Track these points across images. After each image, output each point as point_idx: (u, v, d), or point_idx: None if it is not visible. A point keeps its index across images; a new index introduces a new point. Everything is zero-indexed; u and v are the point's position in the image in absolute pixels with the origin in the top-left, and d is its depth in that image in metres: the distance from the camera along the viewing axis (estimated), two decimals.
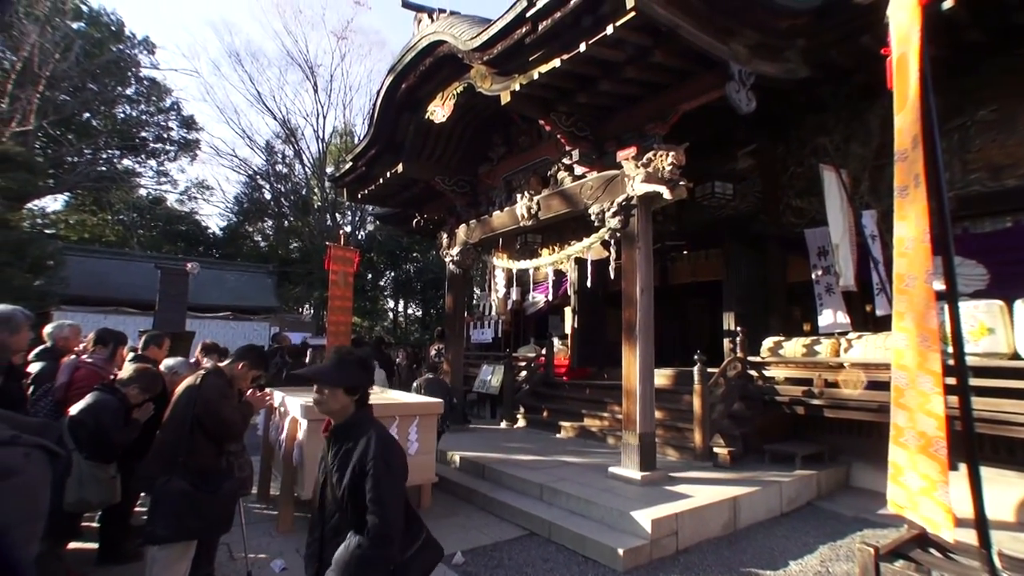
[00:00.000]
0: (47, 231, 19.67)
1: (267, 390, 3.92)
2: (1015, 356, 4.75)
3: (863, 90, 5.75)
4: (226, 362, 3.43)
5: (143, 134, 23.64)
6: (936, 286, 2.85)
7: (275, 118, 25.62)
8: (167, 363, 4.12)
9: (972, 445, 2.78)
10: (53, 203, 22.76)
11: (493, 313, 11.19)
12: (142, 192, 25.34)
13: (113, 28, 21.60)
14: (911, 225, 2.82)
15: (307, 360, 10.40)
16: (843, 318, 6.45)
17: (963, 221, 5.71)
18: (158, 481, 2.92)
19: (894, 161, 2.89)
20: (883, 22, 3.07)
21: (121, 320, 13.92)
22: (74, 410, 3.39)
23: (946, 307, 2.91)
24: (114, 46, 21.26)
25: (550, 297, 11.51)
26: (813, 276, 6.73)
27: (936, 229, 2.78)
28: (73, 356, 4.01)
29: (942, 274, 2.86)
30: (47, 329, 4.25)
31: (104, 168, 22.15)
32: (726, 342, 7.32)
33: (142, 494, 3.94)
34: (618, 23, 4.06)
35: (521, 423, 8.63)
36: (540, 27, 4.53)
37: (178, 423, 3.05)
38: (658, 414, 6.00)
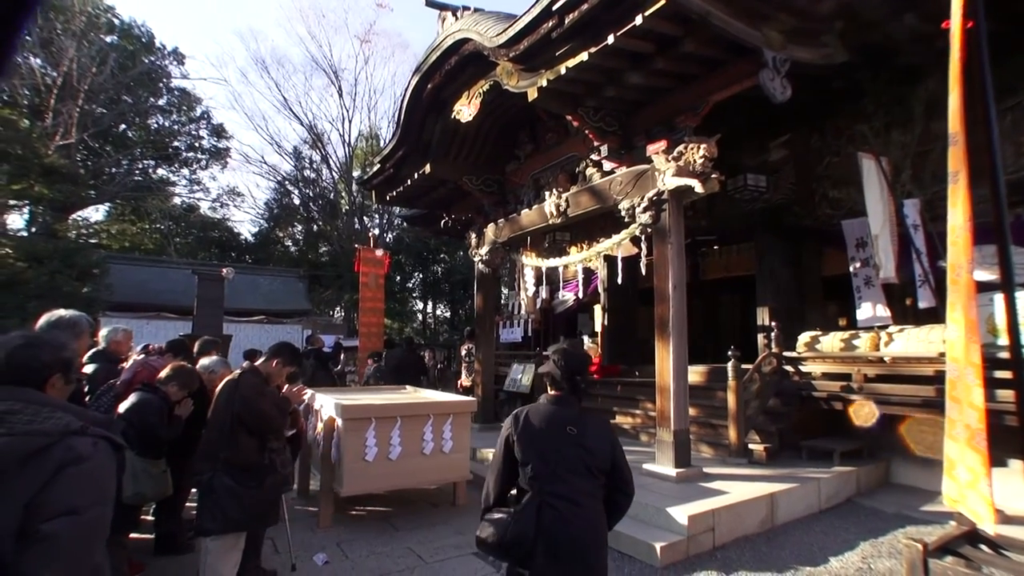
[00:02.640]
0: (91, 241, 20.46)
1: (301, 386, 4.01)
2: None
3: (905, 73, 5.52)
4: (260, 360, 3.54)
5: (176, 143, 24.47)
6: (980, 276, 2.75)
7: (302, 124, 26.10)
8: (203, 363, 4.26)
9: None
10: (95, 214, 23.71)
11: (522, 312, 11.17)
12: (177, 201, 26.16)
13: (144, 40, 22.37)
14: (959, 212, 2.74)
15: (341, 361, 10.62)
16: (883, 311, 6.25)
17: (1016, 208, 5.43)
18: (203, 477, 3.06)
19: (948, 144, 2.79)
20: None
21: (162, 325, 14.40)
22: (121, 409, 3.54)
23: (999, 297, 2.81)
24: (146, 58, 22.01)
25: (580, 295, 11.43)
26: (851, 268, 6.53)
27: (985, 216, 2.68)
28: (142, 356, 4.18)
29: (996, 263, 2.75)
30: (102, 333, 4.45)
31: (140, 178, 22.97)
32: (760, 337, 7.18)
33: (193, 490, 4.11)
34: (647, 12, 4.01)
35: None
36: (567, 20, 4.50)
37: (219, 421, 3.17)
38: (692, 411, 5.92)
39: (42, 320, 2.56)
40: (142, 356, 4.24)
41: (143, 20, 23.28)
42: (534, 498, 2.09)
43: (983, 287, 3.41)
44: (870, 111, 6.12)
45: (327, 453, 4.79)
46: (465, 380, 9.71)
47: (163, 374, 3.72)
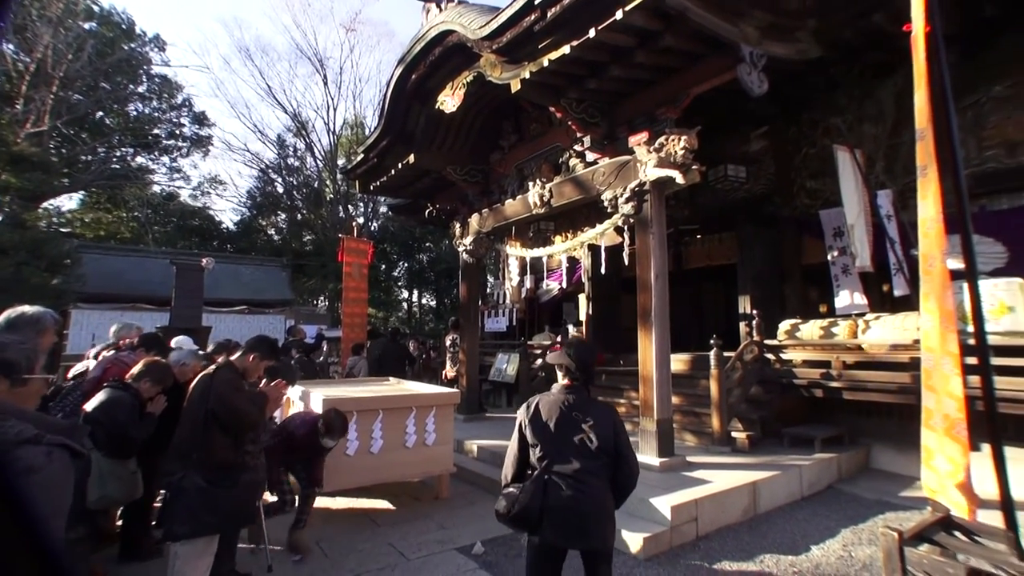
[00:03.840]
0: (63, 230, 19.93)
1: (280, 380, 3.90)
2: None
3: (876, 69, 5.65)
4: (237, 355, 3.42)
5: (156, 131, 23.86)
6: (952, 264, 2.81)
7: (286, 112, 25.66)
8: (173, 356, 4.10)
9: (996, 425, 2.74)
10: (68, 202, 23.07)
11: (507, 301, 11.20)
12: (156, 189, 25.60)
13: (124, 27, 21.75)
14: (930, 205, 2.79)
15: (324, 352, 10.55)
16: (860, 299, 6.39)
17: (980, 199, 5.60)
18: (174, 478, 2.92)
19: (916, 140, 2.85)
20: None
21: (138, 316, 14.09)
22: (88, 407, 3.39)
23: (965, 285, 2.88)
24: (125, 45, 21.40)
25: (564, 284, 11.48)
26: (829, 257, 6.65)
27: (953, 207, 2.74)
28: (112, 352, 4.06)
29: (960, 252, 2.82)
30: (112, 328, 4.32)
31: (118, 166, 22.39)
32: (742, 325, 7.28)
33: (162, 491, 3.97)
34: (627, 7, 4.01)
35: None
36: (549, 14, 4.48)
37: (192, 418, 3.04)
38: (675, 399, 6.00)
39: (0, 318, 2.46)
40: (112, 352, 4.11)
41: (123, 7, 22.65)
42: (540, 475, 2.37)
43: (955, 276, 3.48)
44: (844, 105, 6.23)
45: None
46: (450, 371, 9.73)
47: (135, 370, 3.58)
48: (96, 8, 20.87)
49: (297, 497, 4.20)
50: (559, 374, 2.62)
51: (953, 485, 2.67)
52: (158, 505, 3.85)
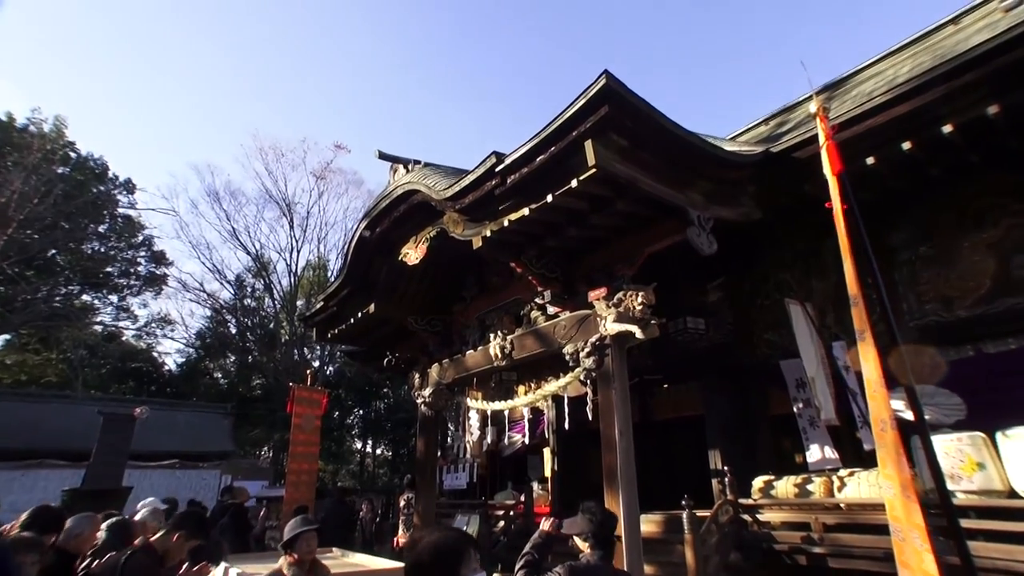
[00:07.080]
0: None
1: (205, 564, 3.34)
2: (1013, 494, 4.52)
3: (815, 229, 6.08)
4: (158, 535, 3.01)
5: (108, 269, 23.21)
6: (899, 408, 2.75)
7: (248, 253, 25.95)
8: (68, 524, 3.43)
9: None
10: None
11: (467, 456, 10.56)
12: (97, 328, 24.23)
13: (97, 171, 22.16)
14: (871, 368, 2.80)
15: (261, 515, 9.42)
16: (831, 453, 6.20)
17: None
18: None
19: (851, 305, 2.96)
20: (822, 173, 3.31)
21: (43, 475, 12.54)
22: None
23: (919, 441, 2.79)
24: (95, 187, 21.63)
25: (527, 439, 10.98)
26: (794, 409, 6.57)
27: (895, 359, 2.77)
28: None
29: (920, 403, 2.79)
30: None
31: (59, 304, 21.22)
32: (714, 483, 6.94)
33: None
34: (581, 177, 4.27)
35: None
36: (509, 180, 4.75)
37: None
38: (648, 569, 5.45)
39: None
40: None
41: (100, 154, 22.87)
42: None
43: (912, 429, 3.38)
44: (790, 261, 6.60)
45: None
46: (403, 537, 8.77)
47: None
48: (73, 155, 21.39)
49: None
50: (582, 544, 2.62)
51: None
52: None
